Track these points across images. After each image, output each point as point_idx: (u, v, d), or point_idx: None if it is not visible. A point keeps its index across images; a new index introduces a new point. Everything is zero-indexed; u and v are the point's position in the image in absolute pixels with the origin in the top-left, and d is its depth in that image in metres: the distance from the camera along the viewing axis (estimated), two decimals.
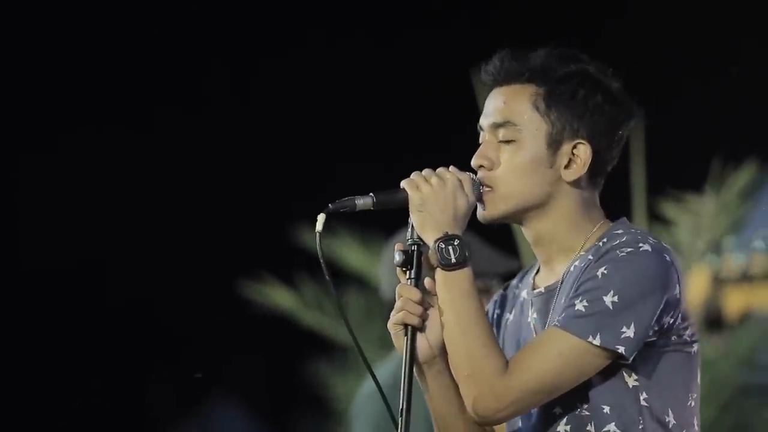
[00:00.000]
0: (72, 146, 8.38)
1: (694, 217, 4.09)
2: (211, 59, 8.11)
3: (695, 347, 1.86)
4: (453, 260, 1.84)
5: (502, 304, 2.04)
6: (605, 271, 1.78)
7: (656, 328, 1.80)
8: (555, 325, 1.78)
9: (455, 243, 1.85)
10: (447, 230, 1.86)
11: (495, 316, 2.03)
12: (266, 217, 7.47)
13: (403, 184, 1.89)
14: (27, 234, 8.64)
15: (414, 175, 1.90)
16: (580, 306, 1.77)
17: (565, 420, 1.85)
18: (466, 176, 1.91)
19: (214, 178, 8.44)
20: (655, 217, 4.17)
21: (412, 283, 1.88)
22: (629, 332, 1.77)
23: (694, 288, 4.90)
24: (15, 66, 7.64)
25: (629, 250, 1.80)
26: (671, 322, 1.80)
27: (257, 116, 8.09)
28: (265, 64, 7.99)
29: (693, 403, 1.86)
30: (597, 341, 1.74)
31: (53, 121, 8.05)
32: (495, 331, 2.00)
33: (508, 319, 2.00)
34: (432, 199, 1.88)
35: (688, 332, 1.83)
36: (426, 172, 1.90)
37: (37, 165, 8.39)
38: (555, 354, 1.78)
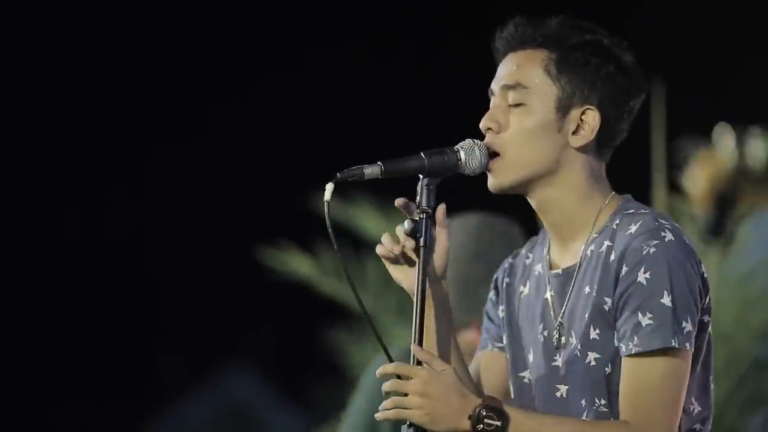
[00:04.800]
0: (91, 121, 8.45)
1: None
2: (246, 46, 8.15)
3: (710, 329, 1.87)
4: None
5: (512, 273, 2.03)
6: (648, 276, 1.78)
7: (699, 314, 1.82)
8: (635, 351, 1.78)
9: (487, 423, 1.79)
10: (468, 414, 1.79)
11: (504, 284, 2.03)
12: (284, 183, 7.49)
13: (397, 415, 1.82)
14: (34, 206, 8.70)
15: (403, 402, 1.81)
16: (646, 320, 1.77)
17: (585, 413, 1.86)
18: (469, 143, 1.92)
19: (233, 145, 8.47)
20: (675, 190, 4.15)
21: (423, 252, 1.88)
22: (688, 326, 1.78)
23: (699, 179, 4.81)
24: None
25: (656, 242, 1.80)
26: (704, 302, 1.83)
27: (274, 87, 8.11)
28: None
29: (713, 386, 1.89)
30: (676, 343, 1.76)
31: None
32: (505, 298, 2.01)
33: (522, 291, 2.00)
34: (435, 411, 1.81)
35: (709, 314, 1.85)
36: (413, 387, 1.81)
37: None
38: (659, 379, 1.78)
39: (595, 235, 1.88)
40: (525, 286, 1.99)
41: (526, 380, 1.96)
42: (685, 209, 3.94)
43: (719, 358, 1.96)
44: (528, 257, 2.02)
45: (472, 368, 2.03)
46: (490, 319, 2.06)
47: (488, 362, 2.05)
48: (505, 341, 2.00)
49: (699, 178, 4.91)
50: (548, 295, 1.92)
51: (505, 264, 2.06)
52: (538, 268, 1.97)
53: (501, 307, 2.02)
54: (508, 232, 2.37)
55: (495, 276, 2.05)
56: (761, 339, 4.26)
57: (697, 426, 1.86)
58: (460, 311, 2.35)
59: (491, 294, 2.06)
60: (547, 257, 1.96)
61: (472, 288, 2.28)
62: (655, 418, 1.77)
